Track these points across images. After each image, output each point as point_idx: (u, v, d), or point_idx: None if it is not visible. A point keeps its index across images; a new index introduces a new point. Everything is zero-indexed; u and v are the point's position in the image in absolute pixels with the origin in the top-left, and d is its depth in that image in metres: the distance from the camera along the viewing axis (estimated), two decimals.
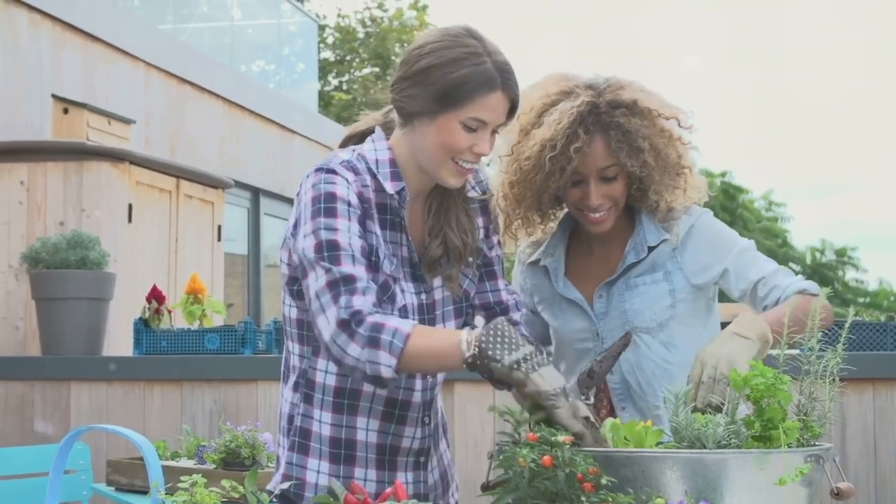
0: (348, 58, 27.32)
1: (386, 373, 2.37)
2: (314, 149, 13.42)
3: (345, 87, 27.06)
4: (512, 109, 2.57)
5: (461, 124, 2.52)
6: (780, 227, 32.19)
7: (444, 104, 2.51)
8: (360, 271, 2.45)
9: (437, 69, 2.51)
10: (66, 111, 8.13)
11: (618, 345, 2.56)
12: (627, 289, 2.94)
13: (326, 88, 26.65)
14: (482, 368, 2.33)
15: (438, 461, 2.79)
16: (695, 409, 2.44)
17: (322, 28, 26.00)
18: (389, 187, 2.58)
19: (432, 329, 2.55)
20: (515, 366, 2.28)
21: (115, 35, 9.47)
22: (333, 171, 2.54)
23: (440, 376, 2.76)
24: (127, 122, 8.56)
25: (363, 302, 2.41)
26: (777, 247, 30.45)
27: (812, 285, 2.84)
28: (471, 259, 2.71)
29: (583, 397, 2.47)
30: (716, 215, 3.03)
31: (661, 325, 2.92)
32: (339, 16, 27.35)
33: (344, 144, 2.75)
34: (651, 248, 2.95)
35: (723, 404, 2.38)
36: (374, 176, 2.59)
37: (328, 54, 27.10)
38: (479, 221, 2.76)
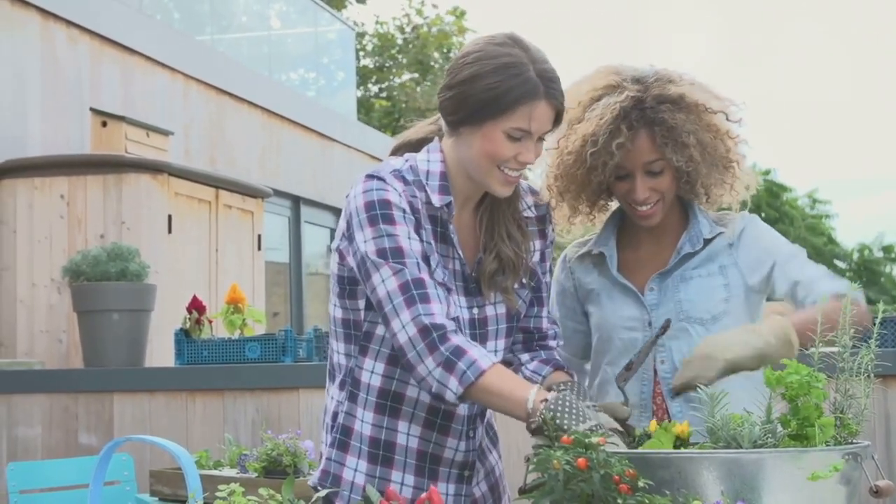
0: (388, 65, 27.35)
1: (449, 396, 2.43)
2: (354, 156, 13.45)
3: (385, 93, 27.10)
4: (557, 117, 2.56)
5: (504, 134, 2.51)
6: (825, 225, 31.92)
7: (487, 114, 2.50)
8: (426, 276, 2.49)
9: (479, 79, 2.51)
10: (104, 124, 8.19)
11: (656, 333, 2.57)
12: (682, 280, 2.94)
13: (367, 95, 26.69)
14: (545, 434, 2.31)
15: (487, 475, 2.78)
16: (675, 389, 2.54)
17: (360, 36, 26.06)
18: (436, 200, 2.59)
19: (508, 375, 2.50)
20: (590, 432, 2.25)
21: (153, 47, 9.52)
22: (384, 179, 2.56)
23: None
24: (165, 133, 8.61)
25: (441, 311, 2.45)
26: (823, 244, 30.22)
27: (848, 289, 2.79)
28: (525, 279, 2.71)
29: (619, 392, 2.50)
30: (760, 213, 3.03)
31: (714, 318, 2.90)
32: (377, 23, 27.40)
33: (395, 153, 2.75)
34: (707, 241, 2.95)
35: (701, 385, 2.36)
36: (423, 188, 2.60)
37: (368, 61, 27.15)
38: (536, 244, 2.75)
